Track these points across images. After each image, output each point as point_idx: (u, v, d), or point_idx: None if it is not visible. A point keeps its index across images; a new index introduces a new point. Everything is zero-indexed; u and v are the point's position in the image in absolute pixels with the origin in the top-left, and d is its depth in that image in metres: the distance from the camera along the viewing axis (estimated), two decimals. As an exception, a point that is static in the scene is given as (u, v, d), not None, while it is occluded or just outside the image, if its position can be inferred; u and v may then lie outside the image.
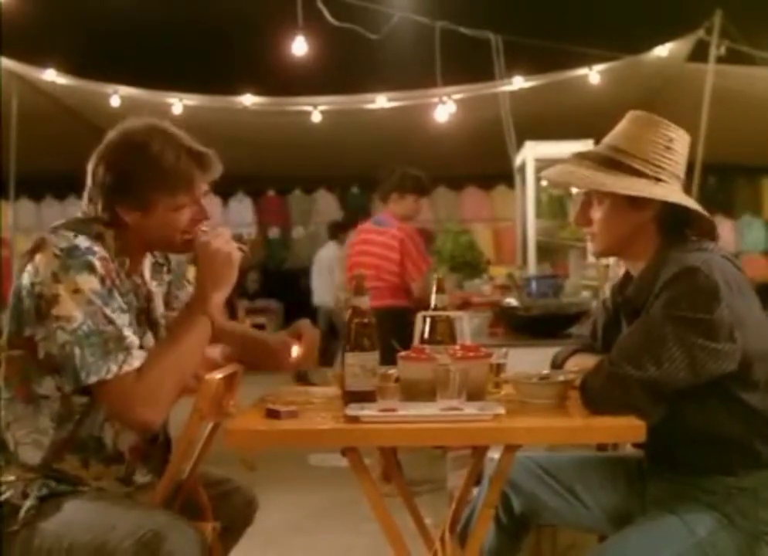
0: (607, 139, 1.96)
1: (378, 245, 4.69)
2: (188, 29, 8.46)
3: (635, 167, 1.88)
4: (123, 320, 1.76)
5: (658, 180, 1.87)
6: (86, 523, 1.71)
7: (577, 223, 2.01)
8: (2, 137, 7.11)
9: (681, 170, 1.92)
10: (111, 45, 8.40)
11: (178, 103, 7.52)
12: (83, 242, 1.77)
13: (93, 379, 1.70)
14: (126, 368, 1.71)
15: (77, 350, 1.70)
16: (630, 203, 1.87)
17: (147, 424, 1.77)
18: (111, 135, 1.89)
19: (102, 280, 1.75)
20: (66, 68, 7.33)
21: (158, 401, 1.75)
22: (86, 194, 1.90)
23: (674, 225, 1.90)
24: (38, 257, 1.76)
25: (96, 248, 1.78)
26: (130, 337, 1.75)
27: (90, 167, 1.88)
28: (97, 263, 1.76)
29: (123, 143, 1.87)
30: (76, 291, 1.72)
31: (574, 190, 1.99)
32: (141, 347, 1.82)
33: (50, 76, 7.27)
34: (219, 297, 1.86)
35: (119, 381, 1.71)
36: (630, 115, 1.96)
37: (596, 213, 1.93)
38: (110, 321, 1.73)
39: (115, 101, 7.43)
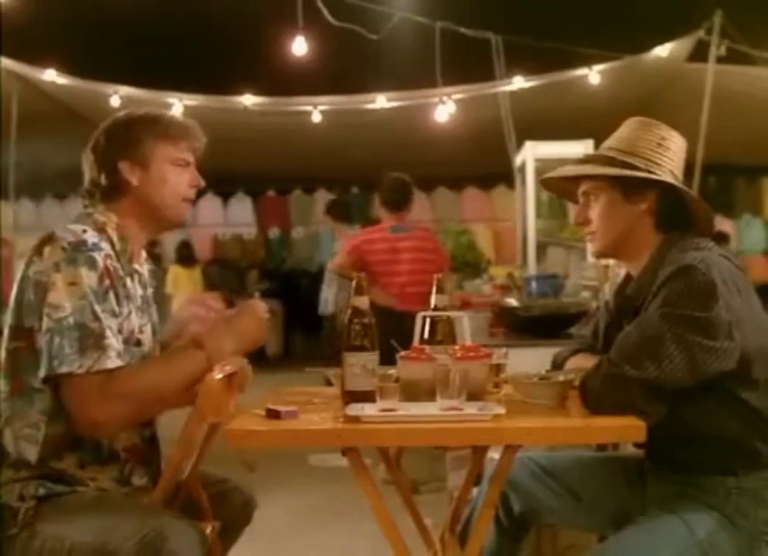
0: (603, 144, 2.01)
1: (428, 251, 4.88)
2: (187, 29, 8.46)
3: (628, 162, 1.91)
4: (110, 322, 1.77)
5: (650, 173, 1.90)
6: (87, 523, 1.70)
7: (577, 223, 2.04)
8: (2, 137, 7.10)
9: (676, 167, 1.94)
10: (111, 45, 8.41)
11: (178, 103, 7.51)
12: (91, 237, 1.80)
13: (63, 369, 1.70)
14: (97, 367, 1.71)
15: (57, 339, 1.71)
16: (624, 197, 1.91)
17: (94, 424, 1.74)
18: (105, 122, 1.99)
19: (100, 279, 1.77)
20: (66, 68, 7.31)
21: (116, 406, 1.73)
22: (85, 183, 1.95)
23: (671, 220, 1.91)
24: (46, 249, 1.78)
25: (104, 244, 1.82)
26: (110, 339, 1.75)
27: (87, 151, 1.95)
28: (100, 261, 1.78)
29: (120, 117, 1.97)
30: (72, 283, 1.74)
31: (580, 189, 2.00)
32: (139, 343, 1.87)
33: (50, 76, 7.26)
34: (231, 355, 1.88)
35: (88, 378, 1.71)
36: (626, 121, 2.01)
37: (593, 211, 1.96)
38: (97, 318, 1.74)
39: (115, 101, 7.41)
